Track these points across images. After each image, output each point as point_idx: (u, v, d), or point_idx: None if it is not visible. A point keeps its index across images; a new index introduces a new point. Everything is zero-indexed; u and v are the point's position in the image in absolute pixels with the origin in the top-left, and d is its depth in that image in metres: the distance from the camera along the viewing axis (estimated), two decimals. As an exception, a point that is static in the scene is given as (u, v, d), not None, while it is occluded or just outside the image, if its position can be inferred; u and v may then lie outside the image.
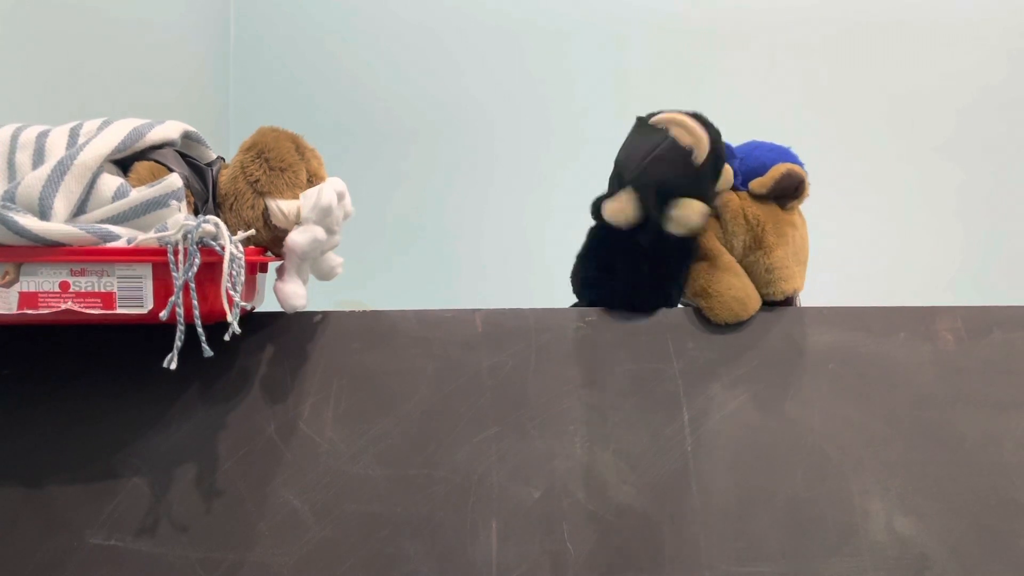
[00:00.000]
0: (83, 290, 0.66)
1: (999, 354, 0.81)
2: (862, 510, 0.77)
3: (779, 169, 0.82)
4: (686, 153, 0.79)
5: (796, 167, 0.83)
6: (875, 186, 1.74)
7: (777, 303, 0.84)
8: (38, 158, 0.70)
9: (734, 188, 0.85)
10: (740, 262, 0.84)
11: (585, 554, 0.76)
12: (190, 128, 0.78)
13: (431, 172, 1.80)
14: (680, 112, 0.80)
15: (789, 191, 0.83)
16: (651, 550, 0.76)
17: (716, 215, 0.84)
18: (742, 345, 0.81)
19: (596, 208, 0.84)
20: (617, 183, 0.82)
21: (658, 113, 0.82)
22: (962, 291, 1.74)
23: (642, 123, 0.82)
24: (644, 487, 0.77)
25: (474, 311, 0.82)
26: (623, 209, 0.80)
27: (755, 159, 0.85)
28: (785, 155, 0.85)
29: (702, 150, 0.79)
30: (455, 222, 1.80)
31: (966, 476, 0.78)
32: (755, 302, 0.82)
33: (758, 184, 0.83)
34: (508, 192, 1.80)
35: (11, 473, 0.76)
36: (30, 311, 0.66)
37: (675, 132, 0.79)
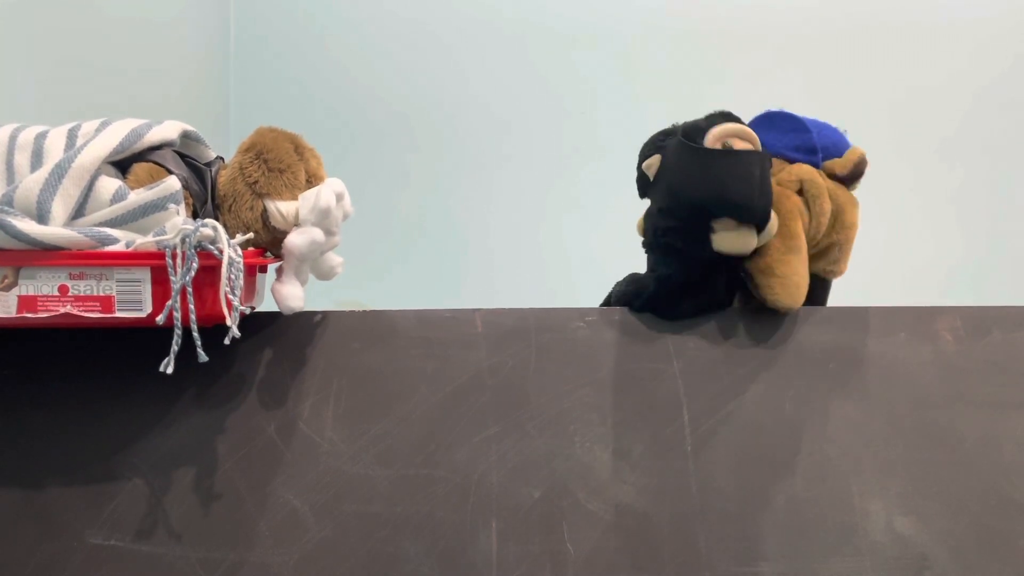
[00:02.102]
0: (82, 294, 0.66)
1: (999, 354, 0.81)
2: (862, 510, 0.77)
3: (856, 152, 0.82)
4: (770, 160, 0.79)
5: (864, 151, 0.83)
6: (875, 186, 1.73)
7: (828, 281, 0.86)
8: (36, 160, 0.70)
9: (813, 165, 0.83)
10: (821, 242, 0.83)
11: (585, 554, 0.76)
12: (189, 128, 0.78)
13: (435, 173, 1.80)
14: (723, 122, 0.79)
15: (859, 175, 0.83)
16: (651, 550, 0.76)
17: (799, 190, 0.82)
18: (742, 345, 0.81)
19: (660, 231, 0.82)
20: (704, 217, 0.79)
21: (697, 129, 0.80)
22: (962, 291, 1.74)
23: (697, 148, 0.78)
24: (644, 487, 0.77)
25: (474, 311, 0.82)
26: (749, 242, 0.79)
27: (826, 137, 0.84)
28: (836, 133, 0.85)
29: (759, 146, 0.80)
30: (460, 224, 1.80)
31: (966, 476, 0.78)
32: (805, 294, 0.82)
33: (839, 165, 0.83)
34: (513, 194, 1.79)
35: (11, 474, 0.76)
36: (29, 315, 0.66)
37: (740, 145, 0.78)
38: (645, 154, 0.85)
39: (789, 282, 0.80)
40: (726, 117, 0.80)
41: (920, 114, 1.75)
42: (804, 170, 0.83)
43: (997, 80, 1.75)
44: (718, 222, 0.78)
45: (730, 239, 0.78)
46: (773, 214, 0.79)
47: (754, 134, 0.79)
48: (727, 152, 0.78)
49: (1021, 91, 1.75)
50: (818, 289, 0.85)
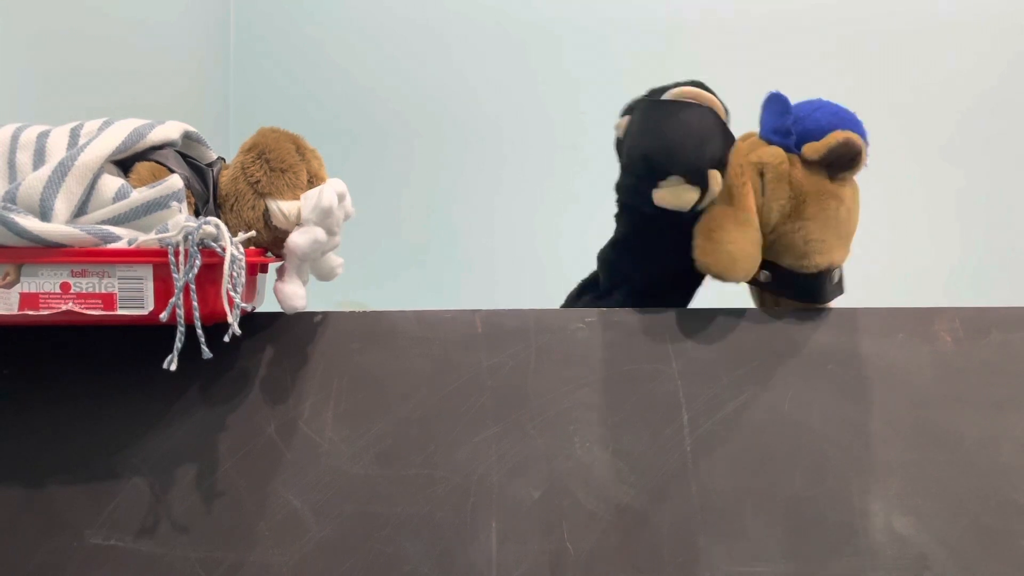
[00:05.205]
0: (84, 291, 0.66)
1: (997, 355, 0.81)
2: (862, 510, 0.77)
3: (836, 136, 0.77)
4: (723, 123, 0.79)
5: (855, 136, 0.77)
6: (874, 187, 1.74)
7: (809, 275, 0.82)
8: (39, 159, 0.70)
9: (786, 149, 0.80)
10: (776, 228, 0.81)
11: (585, 554, 0.76)
12: (191, 128, 0.78)
13: (437, 174, 1.80)
14: (686, 87, 0.81)
15: (843, 161, 0.78)
16: (651, 550, 0.76)
17: (760, 172, 0.81)
18: (742, 345, 0.81)
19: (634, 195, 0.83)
20: (650, 171, 0.80)
21: (663, 89, 0.82)
22: (961, 292, 1.74)
23: (656, 104, 0.80)
24: (644, 487, 0.77)
25: (474, 311, 0.82)
26: (685, 197, 0.79)
27: (813, 121, 0.79)
28: (848, 122, 0.79)
29: (723, 113, 0.80)
30: (461, 225, 1.80)
31: (965, 476, 0.78)
32: (745, 268, 0.79)
33: (811, 149, 0.78)
34: (515, 193, 1.79)
35: (11, 473, 0.76)
36: (31, 312, 0.66)
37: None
38: (621, 117, 0.87)
39: (719, 248, 0.79)
40: (696, 85, 0.81)
41: (921, 116, 1.76)
42: (769, 152, 0.80)
43: (998, 82, 1.75)
44: (664, 180, 0.79)
45: (667, 194, 0.79)
46: (719, 178, 0.79)
47: (715, 99, 0.80)
48: (670, 103, 0.79)
49: (1021, 93, 1.75)
50: (794, 282, 0.83)
